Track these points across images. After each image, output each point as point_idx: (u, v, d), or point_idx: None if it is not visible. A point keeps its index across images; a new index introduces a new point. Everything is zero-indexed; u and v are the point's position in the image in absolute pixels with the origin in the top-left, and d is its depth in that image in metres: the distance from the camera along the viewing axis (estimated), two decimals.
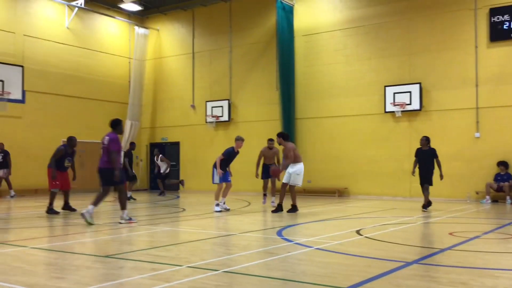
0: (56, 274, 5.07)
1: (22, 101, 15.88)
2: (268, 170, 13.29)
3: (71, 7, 20.57)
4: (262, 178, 13.94)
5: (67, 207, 11.68)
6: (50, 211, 11.13)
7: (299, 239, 7.43)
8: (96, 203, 9.33)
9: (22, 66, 16.02)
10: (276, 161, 13.84)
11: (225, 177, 11.96)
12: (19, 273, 5.16)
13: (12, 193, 17.12)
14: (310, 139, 18.99)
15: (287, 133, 12.66)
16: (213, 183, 12.20)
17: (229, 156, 12.07)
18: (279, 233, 8.05)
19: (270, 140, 13.90)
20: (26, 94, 15.93)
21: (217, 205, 11.77)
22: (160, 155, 18.74)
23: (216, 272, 5.11)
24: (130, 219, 9.43)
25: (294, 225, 9.41)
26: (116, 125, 9.57)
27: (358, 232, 8.25)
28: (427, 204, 12.18)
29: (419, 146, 12.70)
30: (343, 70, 18.42)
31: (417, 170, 12.43)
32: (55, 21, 20.27)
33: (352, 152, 18.03)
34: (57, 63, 20.14)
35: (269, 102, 19.85)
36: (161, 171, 18.69)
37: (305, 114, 19.14)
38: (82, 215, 9.20)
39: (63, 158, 11.34)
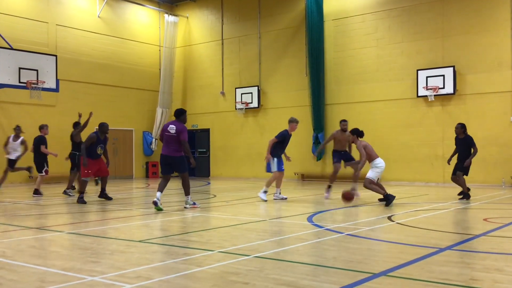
0: (92, 259, 5.20)
1: (56, 89, 16.18)
2: (341, 157, 11.96)
3: None
4: (334, 163, 12.10)
5: (103, 195, 11.51)
6: (80, 200, 10.87)
7: (329, 225, 7.41)
8: (188, 191, 9.77)
9: (55, 56, 16.32)
10: (348, 148, 12.16)
11: (279, 165, 11.21)
12: (56, 257, 5.31)
13: None
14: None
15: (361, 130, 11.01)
16: (270, 171, 11.36)
17: (283, 138, 11.30)
18: (309, 219, 8.05)
19: (343, 121, 12.21)
20: (60, 83, 16.23)
21: (265, 192, 11.14)
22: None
23: (247, 257, 5.15)
24: (194, 203, 9.76)
25: (324, 211, 9.38)
26: (181, 114, 9.66)
27: (389, 218, 8.17)
28: (467, 191, 11.56)
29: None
30: (374, 54, 18.13)
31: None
32: (87, 11, 20.57)
33: (383, 137, 17.80)
34: (89, 52, 20.46)
35: (299, 88, 19.74)
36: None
37: (335, 100, 18.96)
38: (185, 208, 9.63)
39: (95, 145, 11.08)
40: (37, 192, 12.89)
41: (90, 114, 13.06)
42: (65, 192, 13.08)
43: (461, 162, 11.47)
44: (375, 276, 4.36)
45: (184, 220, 8.36)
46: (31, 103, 17.68)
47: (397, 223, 7.68)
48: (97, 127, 11.63)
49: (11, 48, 15.70)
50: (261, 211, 9.63)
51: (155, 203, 9.32)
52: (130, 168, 22.00)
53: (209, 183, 18.69)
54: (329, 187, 12.01)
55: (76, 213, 9.59)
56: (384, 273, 4.46)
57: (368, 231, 6.89)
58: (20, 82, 15.07)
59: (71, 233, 6.93)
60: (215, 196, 13.20)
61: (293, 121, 11.53)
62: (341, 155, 12.05)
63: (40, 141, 13.02)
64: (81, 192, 11.02)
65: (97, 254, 5.48)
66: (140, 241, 6.22)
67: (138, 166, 22.44)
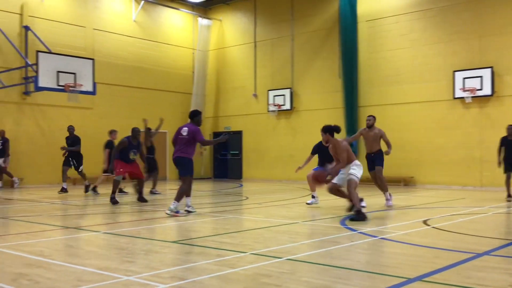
0: (127, 258, 5.29)
1: (93, 92, 16.52)
2: (369, 162, 10.77)
3: (138, 1, 21.20)
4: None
5: (141, 198, 11.40)
6: (112, 199, 10.91)
7: (363, 229, 7.33)
8: (188, 195, 9.19)
9: (92, 59, 16.67)
10: (380, 146, 10.84)
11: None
12: (92, 257, 5.43)
13: (16, 180, 16.82)
14: None
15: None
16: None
17: (317, 150, 10.64)
18: (342, 222, 7.98)
19: (369, 116, 10.94)
20: (96, 85, 16.58)
21: (314, 197, 10.57)
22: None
23: (279, 260, 5.14)
24: (177, 212, 8.87)
25: None
26: (195, 116, 9.37)
27: (425, 222, 8.02)
28: None
29: (505, 135, 12.12)
30: (408, 55, 17.86)
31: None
32: (123, 15, 20.97)
33: (418, 140, 17.50)
34: (124, 55, 20.86)
35: (332, 90, 19.62)
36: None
37: (369, 102, 18.76)
38: (167, 214, 8.88)
39: (127, 150, 11.07)
40: (93, 188, 13.99)
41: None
42: (152, 193, 13.86)
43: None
44: (410, 281, 4.29)
45: (217, 222, 8.41)
46: (69, 106, 18.12)
47: (433, 227, 7.53)
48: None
49: (50, 52, 16.13)
50: (294, 214, 9.60)
51: (187, 211, 9.12)
52: (164, 169, 22.28)
53: (241, 185, 18.76)
54: (390, 195, 10.64)
55: (112, 213, 9.78)
56: (419, 278, 4.38)
57: (403, 235, 6.78)
58: (58, 85, 15.44)
59: (107, 233, 7.07)
60: (247, 198, 13.24)
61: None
62: (370, 159, 10.72)
63: (106, 145, 13.82)
64: (113, 192, 11.04)
65: (132, 254, 5.57)
66: (173, 241, 6.30)
67: (172, 167, 22.69)
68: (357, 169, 8.67)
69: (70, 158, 14.28)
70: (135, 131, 11.32)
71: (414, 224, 7.84)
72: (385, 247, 5.92)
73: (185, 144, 9.17)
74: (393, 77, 18.19)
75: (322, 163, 10.55)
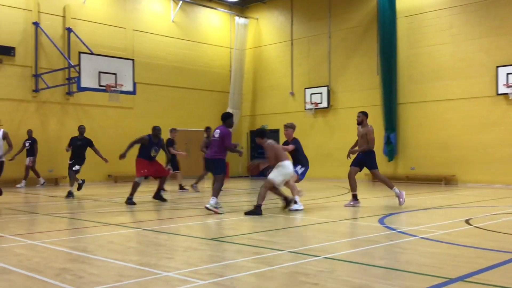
0: (166, 255, 5.39)
1: (133, 92, 16.85)
2: (358, 158, 10.41)
3: (176, 1, 21.49)
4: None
5: (157, 196, 11.32)
6: (128, 201, 10.71)
7: (402, 228, 7.21)
8: (216, 194, 9.20)
9: (132, 60, 17.01)
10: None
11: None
12: (133, 253, 5.55)
13: (42, 181, 16.83)
14: (413, 125, 18.27)
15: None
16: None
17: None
18: (381, 221, 7.88)
19: (358, 113, 10.42)
20: (136, 85, 16.91)
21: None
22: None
23: (317, 258, 5.12)
24: (216, 207, 8.96)
25: (397, 213, 9.14)
26: (227, 118, 9.51)
27: (467, 221, 7.83)
28: None
29: None
30: (449, 51, 17.44)
31: None
32: (162, 16, 21.31)
33: (460, 137, 17.07)
34: (163, 55, 21.19)
35: (370, 87, 19.37)
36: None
37: (408, 99, 18.42)
38: (206, 208, 8.99)
39: (148, 148, 11.04)
40: (181, 187, 14.36)
41: None
42: (193, 187, 14.28)
43: None
44: (451, 281, 4.20)
45: (254, 220, 8.45)
46: (110, 106, 18.57)
47: (475, 227, 7.34)
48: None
49: (92, 53, 16.56)
50: (331, 212, 9.54)
51: (214, 211, 9.03)
52: (202, 167, 22.50)
53: None
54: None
55: (152, 210, 9.96)
56: (461, 278, 4.29)
57: (444, 234, 6.64)
58: (100, 85, 15.82)
59: (147, 230, 7.21)
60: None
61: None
62: (357, 156, 10.30)
63: (166, 144, 13.43)
64: (131, 194, 10.82)
65: (172, 250, 5.66)
66: (211, 239, 6.37)
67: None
68: (277, 172, 9.09)
69: (74, 159, 12.83)
70: (156, 129, 11.37)
71: (456, 224, 7.66)
72: (425, 247, 5.81)
73: (217, 146, 9.38)
74: (433, 74, 17.81)
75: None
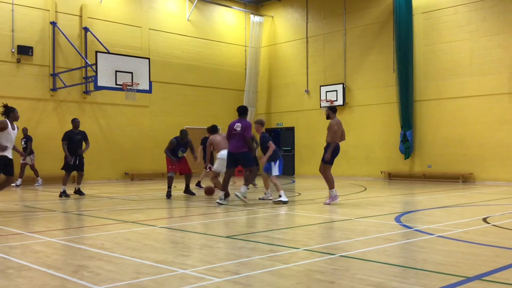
0: (182, 252, 5.43)
1: (149, 91, 16.96)
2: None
3: (191, 0, 21.56)
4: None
5: (187, 191, 12.37)
6: (168, 194, 11.85)
7: (419, 226, 7.16)
8: (248, 183, 10.27)
9: (148, 58, 17.11)
10: (329, 138, 10.22)
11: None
12: (149, 250, 5.60)
13: (40, 180, 16.53)
14: (430, 122, 18.10)
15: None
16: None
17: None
18: (397, 219, 7.83)
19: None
20: (152, 84, 17.02)
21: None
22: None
23: (333, 256, 5.11)
24: (245, 197, 10.00)
25: (413, 211, 9.08)
26: (244, 112, 10.23)
27: (485, 220, 7.74)
28: None
29: None
30: (467, 47, 17.23)
31: None
32: (177, 15, 21.40)
33: (478, 135, 16.87)
34: (178, 54, 21.29)
35: (386, 85, 19.23)
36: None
37: (425, 96, 18.26)
38: (236, 195, 10.05)
39: (176, 149, 12.01)
40: (198, 184, 14.72)
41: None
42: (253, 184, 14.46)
43: None
44: (468, 280, 4.16)
45: (269, 218, 8.46)
46: (126, 104, 18.73)
47: (493, 225, 7.26)
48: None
49: (108, 52, 16.69)
50: (347, 210, 9.50)
51: (219, 202, 10.02)
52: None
53: (293, 181, 18.74)
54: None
55: (168, 208, 10.03)
56: (479, 277, 4.25)
57: (461, 233, 6.58)
58: (116, 84, 15.95)
59: (163, 227, 7.26)
60: (299, 194, 13.22)
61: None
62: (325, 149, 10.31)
63: (202, 142, 14.22)
64: (169, 186, 11.95)
65: (188, 248, 5.70)
66: (227, 236, 6.39)
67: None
68: (216, 164, 11.28)
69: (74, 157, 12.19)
70: (183, 133, 12.18)
71: (473, 222, 7.58)
72: (443, 245, 5.76)
73: (241, 139, 9.83)
74: (450, 70, 17.62)
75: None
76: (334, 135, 9.99)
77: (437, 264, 4.76)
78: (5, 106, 9.52)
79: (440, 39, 17.94)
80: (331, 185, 10.12)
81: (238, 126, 9.86)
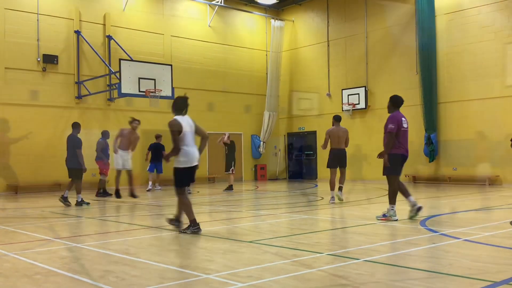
0: (206, 257, 5.45)
1: (171, 97, 17.07)
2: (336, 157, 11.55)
3: (212, 6, 21.72)
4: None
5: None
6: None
7: (445, 230, 7.06)
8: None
9: (170, 65, 17.28)
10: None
11: None
12: (174, 255, 5.64)
13: None
14: (455, 124, 17.84)
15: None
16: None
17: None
18: (422, 223, 7.73)
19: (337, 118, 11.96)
20: (175, 90, 17.17)
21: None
22: None
23: (357, 261, 5.08)
24: (384, 216, 8.26)
25: (439, 215, 8.95)
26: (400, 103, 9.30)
27: None
28: None
29: None
30: (492, 48, 16.94)
31: None
32: (198, 21, 21.58)
33: (505, 136, 16.51)
34: (200, 60, 21.44)
35: (409, 87, 19.02)
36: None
37: (449, 98, 18.00)
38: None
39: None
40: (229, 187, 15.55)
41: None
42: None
43: None
44: (496, 284, 4.09)
45: (292, 222, 8.44)
46: (150, 110, 18.91)
47: None
48: None
49: (132, 60, 16.92)
50: (371, 214, 9.42)
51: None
52: (239, 170, 22.63)
53: (316, 186, 18.66)
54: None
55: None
56: (506, 281, 4.16)
57: (488, 236, 6.46)
58: (140, 91, 16.16)
59: (186, 232, 7.30)
60: (322, 198, 13.16)
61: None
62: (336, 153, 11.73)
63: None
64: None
65: (211, 253, 5.72)
66: (250, 241, 6.40)
67: (247, 168, 23.03)
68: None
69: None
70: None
71: (501, 225, 7.44)
72: (469, 249, 5.67)
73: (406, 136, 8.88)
74: (475, 71, 17.35)
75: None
76: (325, 142, 11.78)
77: (463, 269, 4.68)
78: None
79: (463, 40, 17.69)
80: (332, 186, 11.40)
81: (405, 122, 8.88)
